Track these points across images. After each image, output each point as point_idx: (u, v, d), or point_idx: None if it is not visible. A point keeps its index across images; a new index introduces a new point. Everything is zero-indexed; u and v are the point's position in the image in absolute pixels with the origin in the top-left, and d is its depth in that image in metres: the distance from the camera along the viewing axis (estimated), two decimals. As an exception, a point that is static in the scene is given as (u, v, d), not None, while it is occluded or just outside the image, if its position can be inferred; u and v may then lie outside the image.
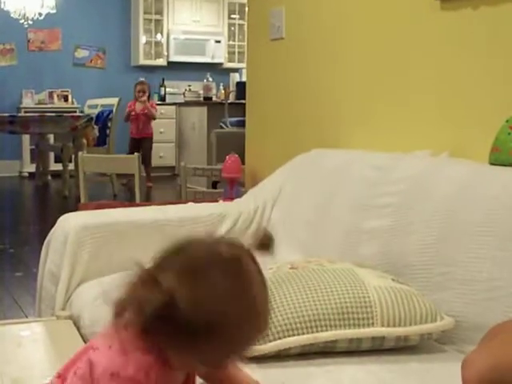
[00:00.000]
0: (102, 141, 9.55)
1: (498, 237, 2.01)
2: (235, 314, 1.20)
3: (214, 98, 11.48)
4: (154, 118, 10.14)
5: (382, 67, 3.04)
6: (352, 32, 3.24)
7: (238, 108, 8.36)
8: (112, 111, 9.54)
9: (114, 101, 9.67)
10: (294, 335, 1.84)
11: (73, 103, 11.51)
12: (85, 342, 2.15)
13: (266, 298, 1.27)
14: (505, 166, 2.25)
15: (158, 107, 10.51)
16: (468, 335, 1.99)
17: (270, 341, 1.82)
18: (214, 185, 6.56)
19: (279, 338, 1.83)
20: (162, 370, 1.23)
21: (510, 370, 1.30)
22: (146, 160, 9.44)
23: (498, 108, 2.44)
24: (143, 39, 11.97)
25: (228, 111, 8.80)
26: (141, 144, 9.74)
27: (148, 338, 1.21)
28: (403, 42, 2.92)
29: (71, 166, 8.70)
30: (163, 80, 11.91)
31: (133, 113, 9.86)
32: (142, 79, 10.57)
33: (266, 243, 1.38)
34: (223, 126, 8.48)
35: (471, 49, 2.59)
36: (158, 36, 12.04)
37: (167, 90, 11.92)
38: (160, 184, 10.19)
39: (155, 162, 10.60)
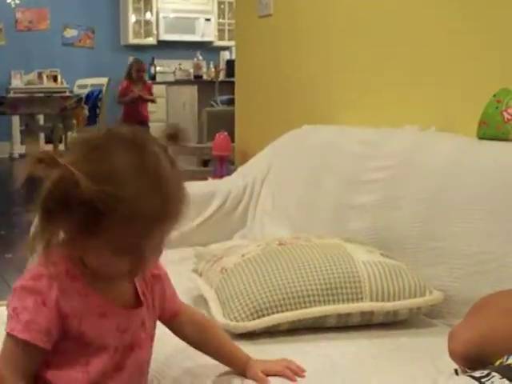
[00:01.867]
0: (92, 121, 9.48)
1: (486, 211, 2.01)
2: (136, 189, 1.17)
3: (205, 77, 11.44)
4: (155, 101, 9.68)
5: (372, 44, 3.02)
6: (341, 9, 3.22)
7: (229, 86, 8.32)
8: (102, 91, 9.48)
9: (103, 80, 9.60)
10: (282, 311, 1.84)
11: (62, 83, 11.44)
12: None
13: (176, 185, 1.26)
14: (492, 140, 2.25)
15: (148, 86, 10.41)
16: (457, 309, 1.99)
17: (259, 317, 1.83)
18: (206, 163, 6.54)
19: (268, 315, 1.83)
20: (71, 280, 1.26)
21: (493, 343, 1.31)
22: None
23: (485, 82, 2.43)
24: (132, 18, 11.89)
25: (218, 89, 8.78)
26: None
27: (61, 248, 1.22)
28: (393, 19, 2.91)
29: (62, 147, 8.66)
30: (153, 59, 11.85)
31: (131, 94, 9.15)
32: (137, 58, 10.20)
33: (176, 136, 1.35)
34: (214, 104, 8.46)
35: (457, 24, 2.58)
36: (148, 14, 11.96)
37: (157, 68, 11.86)
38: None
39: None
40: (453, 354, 1.39)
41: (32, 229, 1.23)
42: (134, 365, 1.37)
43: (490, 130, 2.28)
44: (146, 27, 12.06)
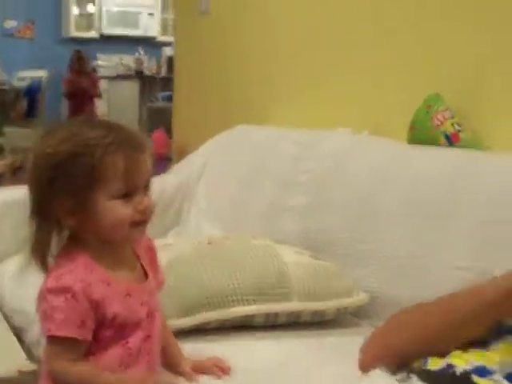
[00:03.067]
0: (31, 114, 9.34)
1: (415, 215, 2.05)
2: (97, 136, 1.34)
3: (147, 72, 11.37)
4: (100, 96, 9.61)
5: (309, 46, 3.05)
6: (280, 9, 3.25)
7: (170, 82, 8.24)
8: (41, 84, 9.35)
9: (43, 73, 9.47)
10: (211, 310, 1.86)
11: (1, 76, 11.26)
12: (6, 320, 2.15)
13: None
14: (422, 144, 2.29)
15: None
16: (383, 310, 2.02)
17: (188, 315, 1.84)
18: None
19: (197, 313, 1.85)
20: (90, 272, 1.35)
21: (401, 354, 1.34)
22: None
23: (416, 88, 2.47)
24: (75, 10, 11.75)
25: (160, 85, 8.74)
26: None
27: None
28: (327, 22, 2.95)
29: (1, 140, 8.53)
30: (95, 53, 11.74)
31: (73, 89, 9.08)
32: (77, 49, 10.02)
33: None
34: (154, 100, 8.42)
35: (390, 29, 2.62)
36: (90, 7, 11.84)
37: (99, 63, 11.74)
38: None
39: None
40: (361, 366, 1.42)
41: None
42: (156, 330, 1.47)
43: (420, 135, 2.33)
44: (88, 20, 11.93)
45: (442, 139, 2.29)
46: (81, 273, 1.34)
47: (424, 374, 1.23)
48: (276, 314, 1.91)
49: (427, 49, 2.48)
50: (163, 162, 4.18)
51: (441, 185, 2.04)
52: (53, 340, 1.33)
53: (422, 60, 2.50)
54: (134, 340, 1.41)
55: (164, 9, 12.21)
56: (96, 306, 1.34)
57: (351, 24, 2.82)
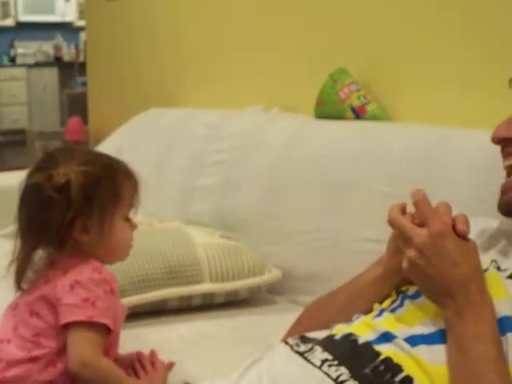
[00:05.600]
0: None
1: (322, 189, 2.07)
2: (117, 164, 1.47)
3: (66, 58, 11.19)
4: None
5: (218, 28, 3.04)
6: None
7: (89, 68, 8.19)
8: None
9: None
10: (123, 297, 1.84)
11: None
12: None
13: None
14: (329, 118, 2.31)
15: (7, 69, 10.13)
16: (298, 285, 2.06)
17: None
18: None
19: (109, 301, 1.83)
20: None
21: None
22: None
23: (323, 63, 2.48)
24: (-11, -2, 11.50)
25: (79, 71, 8.62)
26: None
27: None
28: (236, 2, 2.94)
29: None
30: (12, 41, 11.51)
31: None
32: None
33: None
34: (74, 86, 8.31)
35: (294, 6, 2.63)
36: (5, -5, 11.59)
37: (17, 51, 11.52)
38: (13, 148, 9.89)
39: (8, 125, 10.28)
40: None
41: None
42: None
43: (327, 110, 2.34)
44: (3, 8, 11.68)
45: (349, 112, 2.31)
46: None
47: (327, 342, 1.25)
48: (189, 297, 1.91)
49: (332, 23, 2.49)
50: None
51: (346, 158, 2.06)
52: (93, 327, 1.35)
53: (327, 34, 2.51)
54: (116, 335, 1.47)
55: (80, -7, 12.03)
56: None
57: (256, 3, 2.82)
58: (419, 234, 1.16)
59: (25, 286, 1.44)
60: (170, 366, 1.55)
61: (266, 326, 1.79)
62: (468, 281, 1.14)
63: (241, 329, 1.82)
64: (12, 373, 1.36)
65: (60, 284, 1.37)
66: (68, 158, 1.41)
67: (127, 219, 1.47)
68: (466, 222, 1.19)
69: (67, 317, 1.35)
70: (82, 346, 1.35)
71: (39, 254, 1.44)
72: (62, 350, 1.36)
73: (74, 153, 1.45)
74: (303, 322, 1.47)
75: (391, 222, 1.22)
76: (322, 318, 1.40)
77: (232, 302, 1.98)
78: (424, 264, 1.15)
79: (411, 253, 1.16)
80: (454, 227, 1.17)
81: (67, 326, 1.35)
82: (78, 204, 1.36)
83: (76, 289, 1.36)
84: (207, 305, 1.95)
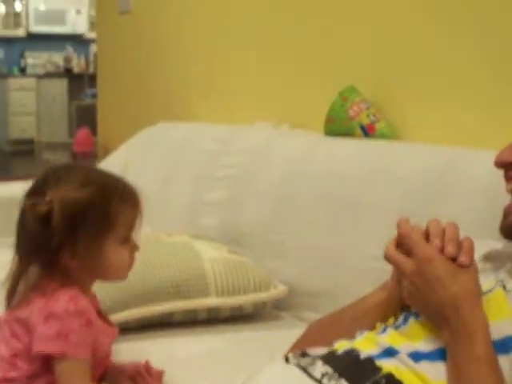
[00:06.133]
0: None
1: (330, 206, 2.07)
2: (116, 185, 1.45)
3: (76, 70, 11.24)
4: None
5: (227, 44, 3.06)
6: (199, 7, 3.24)
7: (99, 79, 8.23)
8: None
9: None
10: (129, 309, 1.85)
11: None
12: None
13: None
14: (338, 135, 2.32)
15: (17, 79, 10.18)
16: (303, 301, 2.06)
17: (107, 315, 1.82)
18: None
19: (115, 313, 1.83)
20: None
21: None
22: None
23: (333, 81, 2.49)
24: (2, 9, 11.55)
25: (88, 83, 8.66)
26: None
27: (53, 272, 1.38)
28: (244, 20, 2.96)
29: None
30: (23, 51, 11.57)
31: None
32: None
33: None
34: (84, 97, 8.35)
35: (303, 24, 2.64)
36: (17, 5, 11.64)
37: (28, 61, 11.58)
38: (21, 158, 9.93)
39: (16, 135, 10.32)
40: None
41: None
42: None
43: (336, 127, 2.35)
44: (15, 19, 11.74)
45: (358, 130, 2.31)
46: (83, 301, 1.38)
47: (329, 356, 1.25)
48: (195, 311, 1.91)
49: (341, 41, 2.50)
50: (91, 161, 4.14)
51: (355, 176, 2.06)
52: (68, 360, 1.34)
53: (337, 52, 2.52)
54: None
55: (91, 5, 12.07)
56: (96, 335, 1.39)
57: (265, 20, 2.84)
58: (408, 264, 1.21)
59: (14, 303, 1.43)
60: (162, 374, 1.57)
61: (270, 341, 1.79)
62: (459, 301, 1.15)
63: (245, 343, 1.82)
64: None
65: (37, 311, 1.36)
66: (62, 180, 1.38)
67: (126, 241, 1.43)
68: (471, 246, 1.21)
69: (40, 347, 1.34)
70: (68, 380, 1.35)
71: (34, 272, 1.42)
72: (33, 375, 1.36)
73: (71, 174, 1.41)
74: (305, 341, 1.47)
75: (387, 259, 1.27)
76: (324, 338, 1.40)
77: (237, 317, 1.99)
78: (416, 291, 1.20)
79: (405, 283, 1.22)
80: (455, 257, 1.19)
81: (42, 354, 1.34)
82: (60, 234, 1.33)
83: (50, 321, 1.33)
84: (213, 319, 1.95)
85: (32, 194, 1.38)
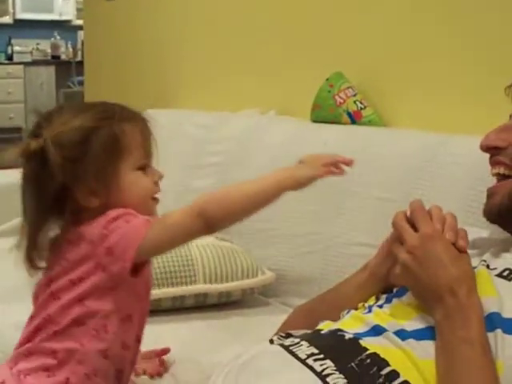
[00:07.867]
0: None
1: (316, 193, 2.06)
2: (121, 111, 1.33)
3: (63, 57, 11.18)
4: None
5: (218, 32, 3.05)
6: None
7: (86, 67, 8.18)
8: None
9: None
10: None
11: None
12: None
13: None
14: (325, 122, 2.32)
15: (4, 67, 10.13)
16: (291, 288, 2.08)
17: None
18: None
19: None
20: None
21: None
22: None
23: (320, 67, 2.49)
24: (-13, -4, 11.49)
25: (76, 70, 8.63)
26: None
27: None
28: (235, 5, 2.96)
29: None
30: (10, 38, 11.49)
31: None
32: None
33: None
34: (71, 85, 8.31)
35: (290, 11, 2.65)
36: (3, -8, 11.58)
37: (15, 48, 11.50)
38: (9, 146, 9.86)
39: (3, 123, 10.27)
40: None
41: None
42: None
43: (323, 114, 2.36)
44: (1, 6, 11.66)
45: (345, 117, 2.32)
46: None
47: (313, 337, 1.26)
48: (182, 297, 1.92)
49: (328, 27, 2.50)
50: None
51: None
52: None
53: (324, 39, 2.52)
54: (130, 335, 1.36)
55: (79, -8, 12.01)
56: None
57: (252, 6, 2.84)
58: (412, 236, 1.23)
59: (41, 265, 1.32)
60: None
61: (258, 327, 1.80)
62: (456, 284, 1.17)
63: (233, 329, 1.83)
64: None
65: (96, 224, 1.25)
66: (54, 116, 1.27)
67: (143, 169, 1.32)
68: (466, 234, 1.25)
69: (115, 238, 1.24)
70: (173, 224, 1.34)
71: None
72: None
73: (63, 110, 1.30)
74: (290, 325, 1.49)
75: (394, 224, 1.29)
76: (308, 321, 1.41)
77: (225, 303, 2.00)
78: (414, 266, 1.21)
79: (404, 255, 1.22)
80: (454, 243, 1.22)
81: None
82: (61, 170, 1.22)
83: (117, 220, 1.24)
84: (200, 305, 1.96)
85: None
